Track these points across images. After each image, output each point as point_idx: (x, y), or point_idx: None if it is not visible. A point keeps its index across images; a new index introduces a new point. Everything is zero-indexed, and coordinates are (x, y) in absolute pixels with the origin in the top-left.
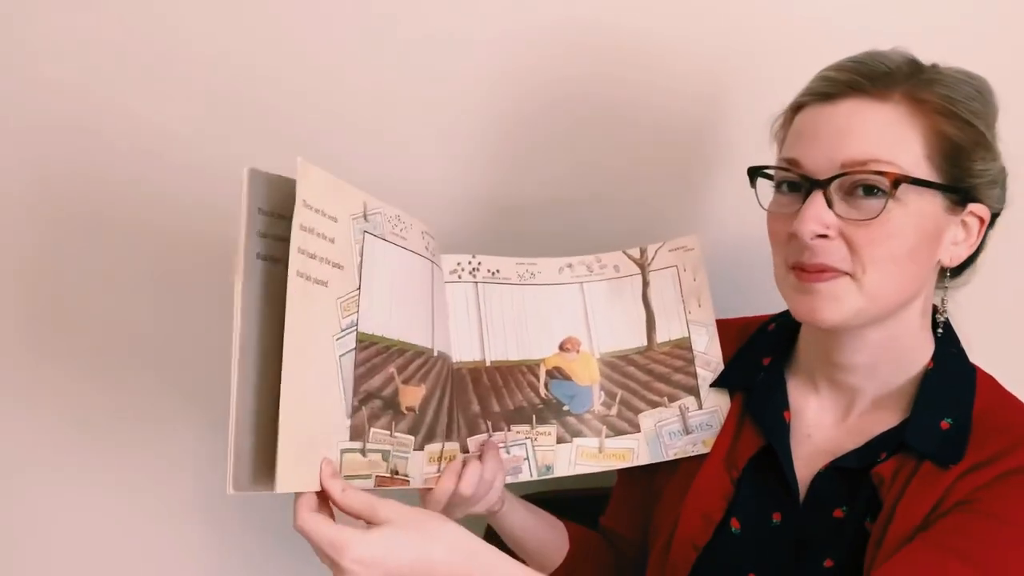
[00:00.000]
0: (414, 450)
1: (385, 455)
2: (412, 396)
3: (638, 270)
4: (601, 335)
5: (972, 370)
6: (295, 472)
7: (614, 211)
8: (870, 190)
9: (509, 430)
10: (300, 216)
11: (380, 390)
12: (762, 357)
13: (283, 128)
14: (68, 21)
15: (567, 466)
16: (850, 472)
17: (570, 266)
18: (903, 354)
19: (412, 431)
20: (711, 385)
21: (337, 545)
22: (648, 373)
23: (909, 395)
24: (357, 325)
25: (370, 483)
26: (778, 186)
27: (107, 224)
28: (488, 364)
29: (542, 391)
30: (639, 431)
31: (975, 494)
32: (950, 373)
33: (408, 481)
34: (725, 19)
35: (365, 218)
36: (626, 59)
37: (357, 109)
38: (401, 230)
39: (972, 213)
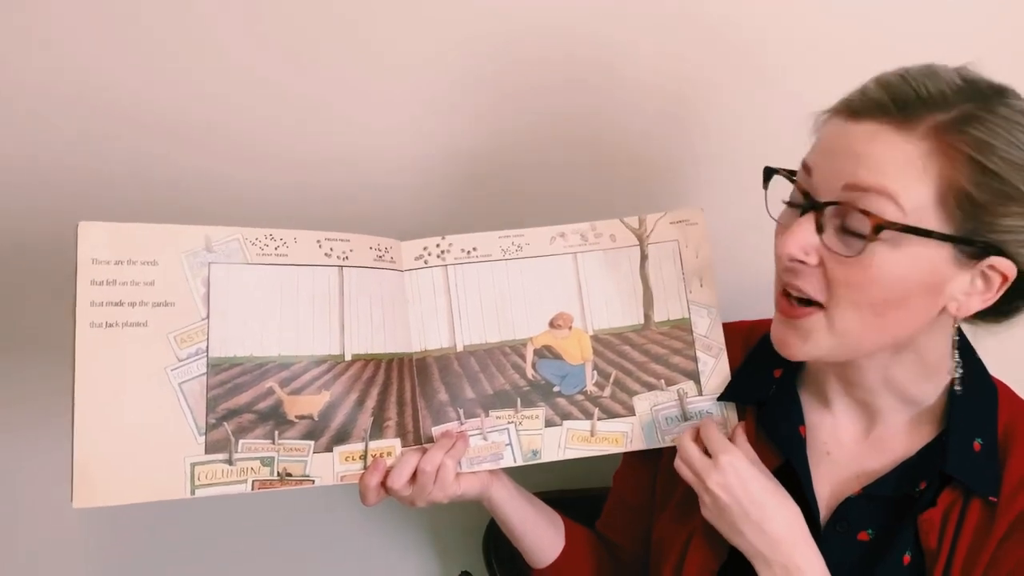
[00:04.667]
0: (316, 453)
1: (266, 461)
2: (305, 405)
3: (636, 241)
4: (595, 310)
5: (994, 385)
6: (97, 489)
7: (610, 177)
8: (856, 226)
9: (487, 416)
10: (89, 273)
11: (252, 405)
12: (773, 369)
13: (258, 114)
14: None
15: (556, 450)
16: (882, 499)
17: (562, 235)
18: (921, 373)
19: (310, 436)
20: (719, 399)
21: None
22: (644, 353)
23: (933, 413)
24: (208, 352)
25: (245, 487)
26: (790, 196)
27: None
28: (460, 350)
29: (529, 372)
30: (633, 414)
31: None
32: (975, 390)
33: (312, 480)
34: None
35: (209, 250)
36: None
37: (333, 82)
38: (276, 248)
39: (993, 267)
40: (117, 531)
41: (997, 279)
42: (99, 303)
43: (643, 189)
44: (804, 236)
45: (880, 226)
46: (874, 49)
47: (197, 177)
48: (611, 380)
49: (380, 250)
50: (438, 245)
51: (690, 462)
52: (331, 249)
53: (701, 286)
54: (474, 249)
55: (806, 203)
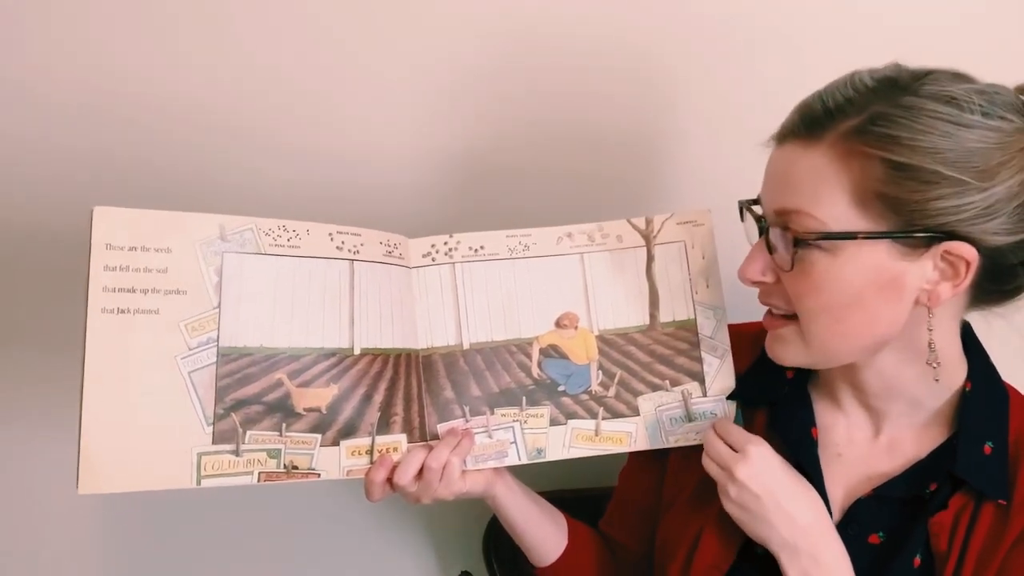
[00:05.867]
0: (323, 446)
1: (273, 453)
2: (314, 398)
3: (643, 242)
4: (601, 311)
5: (1005, 389)
6: (103, 476)
7: (615, 177)
8: (788, 242)
9: (492, 414)
10: (103, 258)
11: (260, 396)
12: (785, 370)
13: (268, 110)
14: None
15: (561, 449)
16: (893, 500)
17: (569, 235)
18: (926, 375)
19: (317, 429)
20: (728, 398)
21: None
22: (650, 354)
23: (946, 415)
24: (218, 341)
25: (251, 479)
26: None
27: None
28: (467, 347)
29: (535, 371)
30: (638, 414)
31: None
32: (986, 393)
33: (318, 474)
34: None
35: (223, 239)
36: (625, 29)
37: (338, 81)
38: (289, 239)
39: (949, 252)
40: (119, 524)
41: (960, 262)
42: (111, 289)
43: (647, 190)
44: (757, 259)
45: (796, 239)
46: (881, 50)
47: (202, 170)
48: (616, 380)
49: (389, 246)
50: (446, 243)
51: (717, 456)
52: (343, 242)
53: (707, 287)
54: (482, 247)
55: (759, 227)
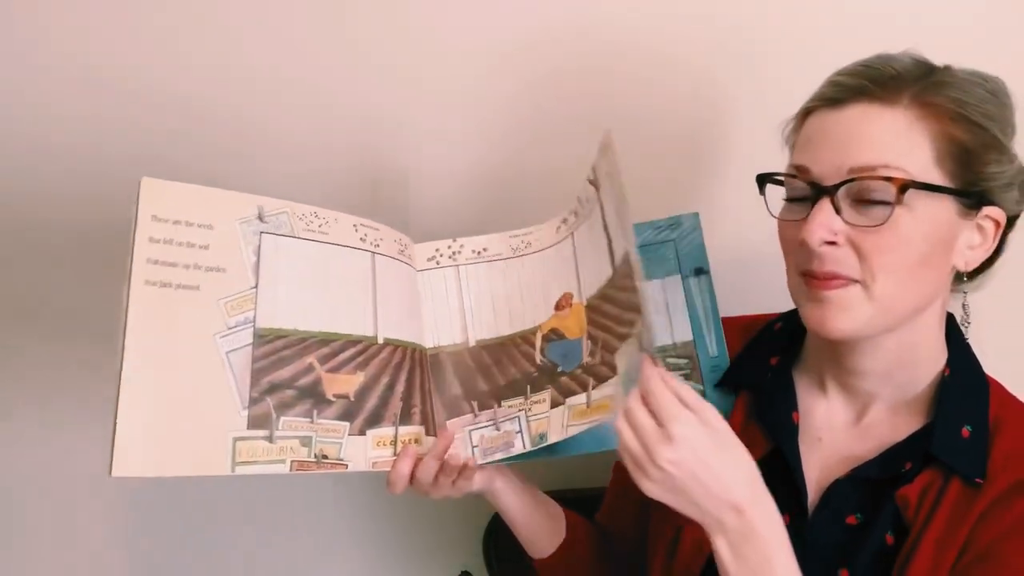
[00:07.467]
0: (350, 435)
1: (305, 441)
2: (343, 384)
3: (594, 191)
4: (586, 280)
5: (985, 377)
6: (138, 459)
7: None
8: (878, 196)
9: (499, 406)
10: (148, 230)
11: (293, 380)
12: (770, 357)
13: (264, 112)
14: None
15: (560, 430)
16: (869, 481)
17: (564, 220)
18: (918, 360)
19: (346, 417)
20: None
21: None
22: (616, 304)
23: (924, 401)
24: (255, 321)
25: (284, 467)
26: (788, 193)
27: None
28: (472, 345)
29: (538, 358)
30: (616, 373)
31: (996, 546)
32: (966, 379)
33: (345, 465)
34: None
35: (261, 219)
36: (634, 32)
37: (360, 90)
38: (320, 226)
39: (987, 216)
40: (115, 525)
41: (991, 227)
42: (155, 261)
43: (648, 190)
44: (827, 219)
45: (905, 186)
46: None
47: (205, 172)
48: (600, 345)
49: (401, 244)
50: (449, 247)
51: (639, 427)
52: (365, 235)
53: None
54: (484, 250)
55: (814, 192)
